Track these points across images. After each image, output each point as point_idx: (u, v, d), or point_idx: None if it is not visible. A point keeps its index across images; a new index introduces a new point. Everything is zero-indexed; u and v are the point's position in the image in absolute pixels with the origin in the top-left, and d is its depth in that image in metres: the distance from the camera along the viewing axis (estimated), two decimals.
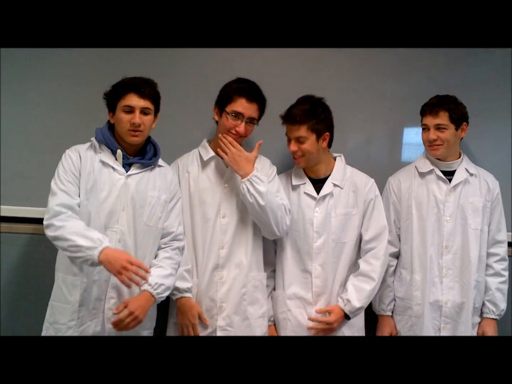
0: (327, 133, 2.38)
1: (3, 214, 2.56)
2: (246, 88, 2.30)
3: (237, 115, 2.29)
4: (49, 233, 2.04)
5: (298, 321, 2.38)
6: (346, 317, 2.36)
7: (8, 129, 2.58)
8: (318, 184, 2.44)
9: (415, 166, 2.56)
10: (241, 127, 2.29)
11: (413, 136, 2.76)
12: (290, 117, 2.35)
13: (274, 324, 2.45)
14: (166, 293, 2.19)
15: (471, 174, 2.51)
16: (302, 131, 2.33)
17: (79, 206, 2.10)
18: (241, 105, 2.28)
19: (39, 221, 2.34)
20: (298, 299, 2.39)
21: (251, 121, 2.32)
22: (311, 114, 2.33)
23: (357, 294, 2.34)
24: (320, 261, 2.37)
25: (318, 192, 2.41)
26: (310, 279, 2.38)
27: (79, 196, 2.11)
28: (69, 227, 2.01)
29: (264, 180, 2.26)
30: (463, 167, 2.51)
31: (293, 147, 2.36)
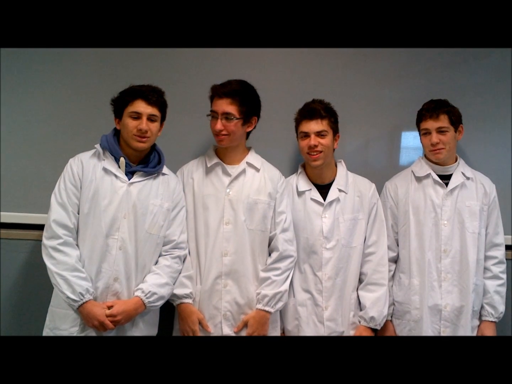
0: (338, 135, 2.45)
1: (2, 220, 2.55)
2: (216, 87, 2.32)
3: (213, 113, 2.31)
4: (42, 253, 2.11)
5: (309, 327, 2.39)
6: (374, 330, 2.42)
7: (9, 135, 2.57)
8: (322, 190, 2.46)
9: (412, 171, 2.58)
10: (217, 124, 2.28)
11: (411, 140, 2.77)
12: (312, 111, 2.38)
13: (283, 333, 2.45)
14: (159, 303, 2.21)
15: (468, 178, 2.52)
16: (324, 125, 2.37)
17: (76, 222, 2.14)
18: (214, 103, 2.31)
19: (38, 227, 2.36)
20: (309, 305, 2.40)
21: (227, 116, 2.28)
22: (331, 112, 2.41)
23: (376, 307, 2.39)
24: (330, 266, 2.39)
25: (323, 198, 2.43)
26: (321, 284, 2.39)
27: (79, 207, 2.14)
28: (59, 263, 2.07)
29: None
30: (459, 171, 2.52)
31: (314, 141, 2.36)
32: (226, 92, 2.28)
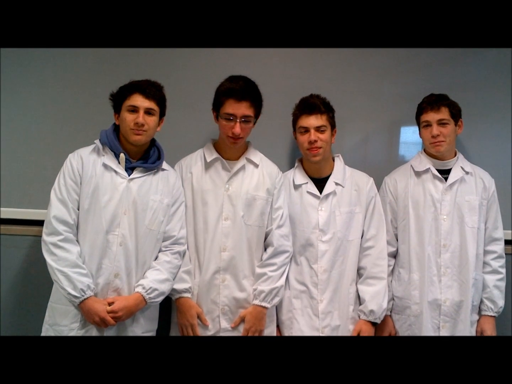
0: (335, 130, 2.45)
1: (2, 216, 2.55)
2: (232, 89, 2.27)
3: (229, 116, 2.27)
4: (43, 249, 2.10)
5: (304, 319, 2.40)
6: (374, 324, 2.42)
7: (8, 131, 2.57)
8: (319, 183, 2.46)
9: (411, 165, 2.58)
10: (236, 128, 2.26)
11: (410, 135, 2.78)
12: (312, 106, 2.38)
13: (278, 325, 2.46)
14: (160, 298, 2.21)
15: (467, 173, 2.52)
16: (324, 120, 2.38)
17: (77, 218, 2.13)
18: (230, 106, 2.26)
19: (38, 223, 2.35)
20: (304, 297, 2.40)
21: (246, 119, 2.29)
22: (329, 107, 2.41)
23: (375, 300, 2.39)
24: (326, 259, 2.39)
25: (320, 192, 2.44)
26: (316, 277, 2.39)
27: (79, 202, 2.13)
28: (60, 260, 2.06)
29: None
30: (458, 166, 2.52)
31: (314, 136, 2.36)
32: (245, 95, 2.26)
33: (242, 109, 2.26)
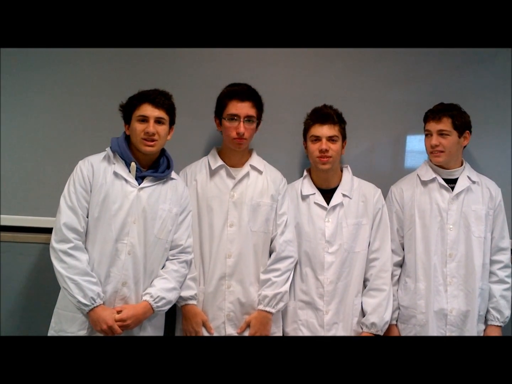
0: (346, 141, 2.46)
1: (3, 223, 2.54)
2: (235, 90, 2.33)
3: (233, 117, 2.30)
4: (51, 256, 2.09)
5: (310, 331, 2.39)
6: (377, 336, 2.41)
7: (12, 136, 2.56)
8: (327, 194, 2.46)
9: (417, 175, 2.57)
10: (240, 127, 2.29)
11: (416, 143, 2.78)
12: (326, 116, 2.40)
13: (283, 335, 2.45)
14: (167, 307, 2.22)
15: (474, 182, 2.52)
16: (336, 131, 2.39)
17: (86, 226, 2.12)
18: (234, 106, 2.30)
19: (41, 230, 2.35)
20: (309, 309, 2.40)
21: (249, 119, 2.32)
22: (341, 118, 2.44)
23: (376, 313, 2.39)
24: (332, 270, 2.39)
25: (327, 203, 2.43)
26: (322, 288, 2.39)
27: (89, 210, 2.13)
28: (70, 268, 2.06)
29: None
30: (465, 175, 2.52)
31: (325, 145, 2.37)
32: (247, 96, 2.31)
33: (246, 109, 2.30)
